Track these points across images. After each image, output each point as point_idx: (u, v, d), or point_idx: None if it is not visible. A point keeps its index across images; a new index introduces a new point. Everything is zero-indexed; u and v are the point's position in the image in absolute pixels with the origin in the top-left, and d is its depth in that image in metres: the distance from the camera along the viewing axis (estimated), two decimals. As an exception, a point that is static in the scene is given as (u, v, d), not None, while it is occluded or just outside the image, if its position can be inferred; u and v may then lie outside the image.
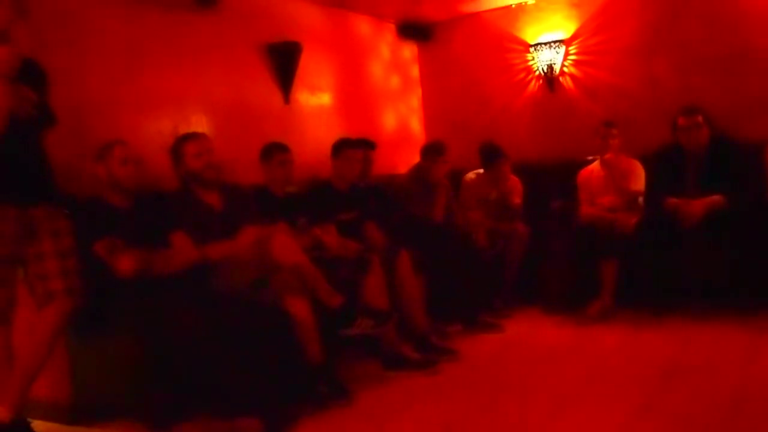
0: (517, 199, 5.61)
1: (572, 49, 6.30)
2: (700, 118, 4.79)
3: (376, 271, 4.12)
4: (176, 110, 4.58)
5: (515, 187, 5.65)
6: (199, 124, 4.67)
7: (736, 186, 4.58)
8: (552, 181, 5.74)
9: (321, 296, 3.62)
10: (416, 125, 7.13)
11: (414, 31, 6.94)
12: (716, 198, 4.59)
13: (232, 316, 3.34)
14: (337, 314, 3.65)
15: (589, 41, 6.23)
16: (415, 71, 7.20)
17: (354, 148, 4.89)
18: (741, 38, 5.46)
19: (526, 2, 6.47)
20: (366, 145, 5.29)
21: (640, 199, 5.14)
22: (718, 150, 4.79)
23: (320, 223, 4.40)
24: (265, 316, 3.46)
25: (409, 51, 7.12)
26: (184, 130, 4.33)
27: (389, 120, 6.75)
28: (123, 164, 3.52)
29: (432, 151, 5.42)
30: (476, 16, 6.73)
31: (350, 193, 4.85)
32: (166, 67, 4.52)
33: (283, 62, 5.36)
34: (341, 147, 4.86)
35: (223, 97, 4.94)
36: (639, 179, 5.19)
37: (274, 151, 4.50)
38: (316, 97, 5.82)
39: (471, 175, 5.75)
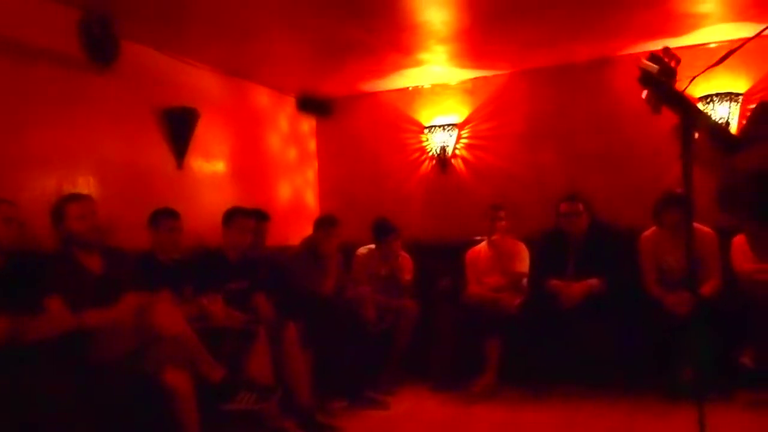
0: (407, 276, 5.68)
1: (465, 132, 6.57)
2: (580, 206, 5.06)
3: (262, 343, 4.04)
4: (62, 169, 4.42)
5: (406, 264, 5.73)
6: (87, 185, 4.53)
7: (612, 270, 4.83)
8: (441, 259, 5.86)
9: (202, 369, 3.51)
10: (311, 198, 7.17)
11: (313, 105, 7.05)
12: (594, 281, 4.83)
13: (105, 388, 3.17)
14: (218, 388, 3.53)
15: (480, 126, 6.51)
16: (312, 145, 7.28)
17: (246, 217, 4.84)
18: (620, 133, 5.87)
19: (422, 86, 6.72)
20: (259, 215, 5.25)
21: (524, 281, 5.33)
22: (597, 236, 5.05)
23: (207, 292, 4.29)
24: (142, 389, 3.30)
25: (307, 125, 7.21)
26: (69, 190, 4.17)
27: (284, 191, 6.75)
28: (6, 224, 3.35)
29: (324, 223, 5.44)
30: (375, 95, 6.93)
31: (240, 262, 4.77)
32: (54, 124, 4.37)
33: (179, 127, 5.31)
34: (233, 216, 4.80)
35: (114, 158, 4.81)
36: (524, 261, 5.39)
37: (162, 217, 4.40)
38: (210, 164, 5.77)
39: (363, 250, 5.79)
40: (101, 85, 4.70)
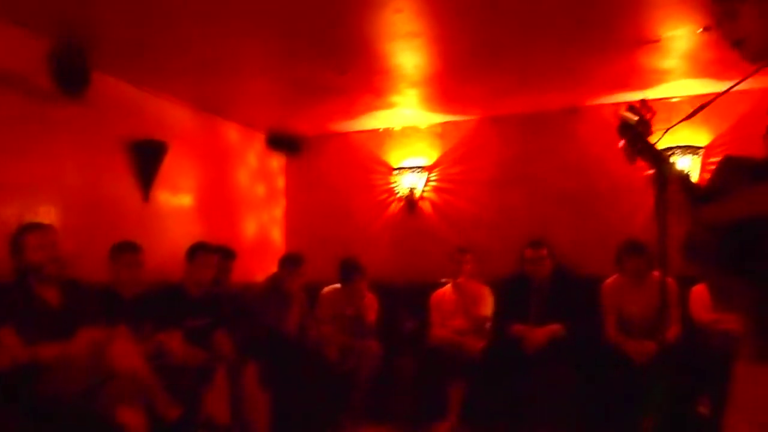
0: (371, 317, 5.64)
1: (433, 175, 6.62)
2: (544, 251, 5.11)
3: (220, 381, 3.97)
4: (24, 198, 4.34)
5: (371, 305, 5.69)
6: (48, 214, 4.45)
7: (575, 316, 4.86)
8: (406, 300, 5.85)
9: (158, 407, 3.43)
10: (277, 235, 7.14)
11: (283, 143, 7.05)
12: (556, 327, 4.85)
13: (57, 426, 3.08)
14: (174, 426, 3.45)
15: (449, 170, 6.57)
16: (281, 182, 7.27)
17: (209, 253, 4.79)
18: (586, 181, 5.96)
19: (392, 128, 6.78)
20: (224, 252, 5.21)
21: (488, 324, 5.33)
22: (561, 281, 5.09)
23: (166, 328, 4.21)
24: (95, 427, 3.21)
25: (276, 162, 7.21)
26: (30, 219, 4.09)
27: (250, 228, 6.71)
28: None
29: (290, 262, 5.41)
30: (345, 135, 6.97)
31: (202, 299, 4.71)
32: (18, 152, 4.31)
33: (146, 160, 5.27)
34: (196, 251, 4.75)
35: (79, 189, 4.75)
36: (488, 305, 5.40)
37: (124, 251, 4.33)
38: (177, 198, 5.72)
39: (328, 289, 5.76)
40: (69, 115, 4.66)
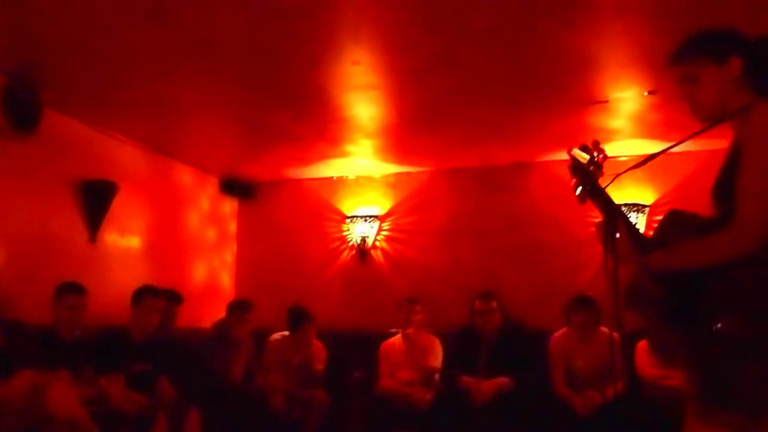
0: (319, 366, 5.57)
1: (386, 225, 6.65)
2: (494, 304, 5.14)
3: (161, 429, 3.86)
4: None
5: (319, 353, 5.62)
6: (-10, 253, 4.33)
7: (523, 369, 4.88)
8: (355, 350, 5.79)
9: (95, 454, 3.31)
10: (227, 281, 7.05)
11: (236, 187, 7.03)
12: (504, 380, 4.86)
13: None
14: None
15: (401, 220, 6.62)
16: (233, 227, 7.22)
17: (156, 297, 4.70)
18: (536, 235, 6.06)
19: (346, 176, 6.82)
20: (170, 296, 5.11)
21: (437, 376, 5.31)
22: (509, 334, 5.12)
23: (107, 373, 4.10)
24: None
25: (229, 206, 7.16)
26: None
27: (200, 272, 6.62)
28: None
29: (238, 308, 5.35)
30: (299, 182, 6.98)
31: (145, 344, 4.59)
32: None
33: (95, 200, 5.19)
34: (142, 294, 4.66)
35: (23, 227, 4.64)
36: (437, 356, 5.39)
37: (67, 292, 4.22)
38: (125, 240, 5.62)
39: (276, 336, 5.68)
40: (18, 151, 4.57)
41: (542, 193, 6.01)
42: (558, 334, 5.08)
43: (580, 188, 2.07)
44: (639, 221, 5.68)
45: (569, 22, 3.62)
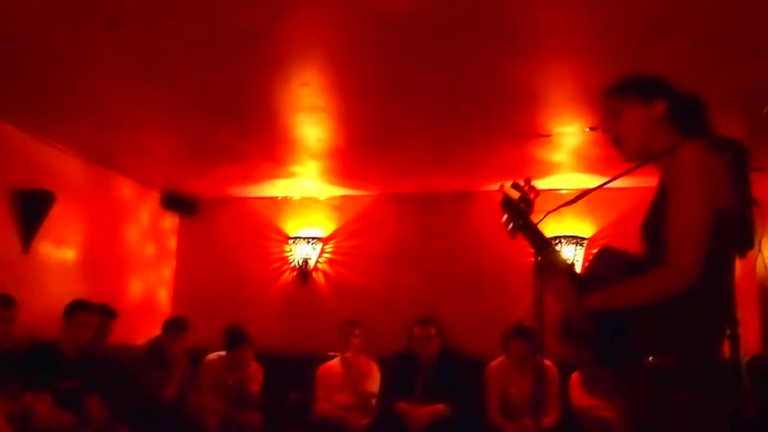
0: (255, 387, 5.49)
1: (328, 247, 6.64)
2: (433, 330, 5.16)
3: (89, 449, 3.74)
4: None
5: (255, 375, 5.54)
6: None
7: (459, 397, 4.91)
8: (292, 372, 5.73)
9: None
10: (164, 297, 6.91)
11: (178, 203, 6.92)
12: (440, 407, 4.88)
13: None
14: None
15: (344, 243, 6.62)
16: (172, 243, 7.09)
17: (89, 311, 4.58)
18: (476, 263, 6.13)
19: (291, 197, 6.80)
20: (104, 311, 4.99)
21: (374, 401, 5.29)
22: (447, 361, 5.15)
23: (34, 389, 3.96)
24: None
25: (170, 222, 7.05)
26: None
27: (136, 288, 6.48)
28: None
29: (174, 326, 5.25)
30: (243, 200, 6.92)
31: (76, 360, 4.46)
32: None
33: (30, 210, 5.04)
34: (75, 309, 4.53)
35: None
36: (374, 381, 5.38)
37: (-5, 304, 4.08)
38: (60, 252, 5.47)
39: (212, 356, 5.58)
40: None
41: (484, 223, 6.09)
42: (495, 362, 5.13)
43: (511, 224, 2.13)
44: (577, 253, 5.80)
45: (516, 58, 3.72)
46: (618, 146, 2.10)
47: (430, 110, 4.53)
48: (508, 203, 2.15)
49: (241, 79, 4.10)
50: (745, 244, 3.46)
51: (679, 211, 1.83)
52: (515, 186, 2.16)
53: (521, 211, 2.12)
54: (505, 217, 2.16)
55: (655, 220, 1.90)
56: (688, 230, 1.80)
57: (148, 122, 4.99)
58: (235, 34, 3.52)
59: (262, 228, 6.86)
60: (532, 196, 2.14)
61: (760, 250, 3.84)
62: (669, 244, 1.82)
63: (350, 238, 6.63)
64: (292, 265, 6.66)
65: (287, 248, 6.72)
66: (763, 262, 3.93)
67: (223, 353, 5.52)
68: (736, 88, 3.89)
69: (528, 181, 2.16)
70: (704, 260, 1.77)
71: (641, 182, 4.84)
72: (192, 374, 5.41)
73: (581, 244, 5.84)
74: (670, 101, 2.04)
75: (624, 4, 3.15)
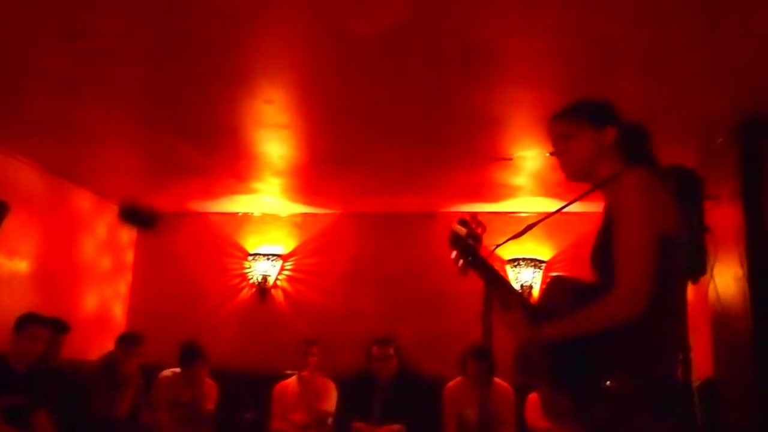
0: (209, 405, 5.41)
1: (288, 265, 6.60)
2: (391, 350, 5.17)
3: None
4: None
5: (210, 393, 5.46)
6: None
7: (416, 417, 4.90)
8: (248, 390, 5.67)
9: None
10: (119, 312, 6.78)
11: (136, 216, 6.79)
12: (397, 427, 4.88)
13: None
14: None
15: (304, 261, 6.59)
16: (129, 256, 6.98)
17: (40, 325, 4.48)
18: (436, 284, 6.09)
19: (252, 213, 6.75)
20: (56, 325, 4.88)
21: (330, 420, 5.26)
22: (405, 381, 5.16)
23: (-20, 404, 3.86)
24: None
25: (127, 235, 6.94)
26: None
27: (91, 301, 6.35)
28: None
29: (127, 341, 5.16)
30: (203, 215, 6.85)
31: (26, 374, 4.36)
32: None
33: (-18, 219, 4.92)
34: (26, 322, 4.43)
35: None
36: (331, 400, 5.34)
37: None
38: (12, 263, 5.34)
39: (166, 373, 5.48)
40: None
41: (445, 244, 6.08)
42: (452, 383, 5.14)
43: (461, 261, 2.16)
44: (536, 276, 5.86)
45: (479, 82, 3.78)
46: (565, 169, 2.15)
47: (394, 131, 4.56)
48: (456, 240, 2.19)
49: (205, 94, 4.08)
50: (697, 270, 3.55)
51: (625, 238, 1.88)
52: (462, 222, 2.20)
53: (469, 247, 2.15)
54: (454, 254, 2.20)
55: (603, 247, 1.94)
56: (635, 256, 1.84)
57: (107, 134, 4.92)
58: (198, 48, 3.51)
59: (222, 243, 6.80)
60: (479, 231, 2.17)
61: (712, 276, 3.95)
62: (617, 271, 1.86)
63: (310, 256, 6.60)
64: (251, 281, 6.60)
65: (246, 265, 6.66)
66: (715, 288, 4.03)
67: (177, 370, 5.44)
68: (691, 119, 4.00)
69: (474, 216, 2.20)
70: (653, 284, 1.81)
71: (598, 207, 4.95)
72: (145, 391, 5.31)
73: (539, 267, 5.91)
74: (619, 129, 2.09)
75: (585, 34, 3.22)
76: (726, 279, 4.01)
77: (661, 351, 1.90)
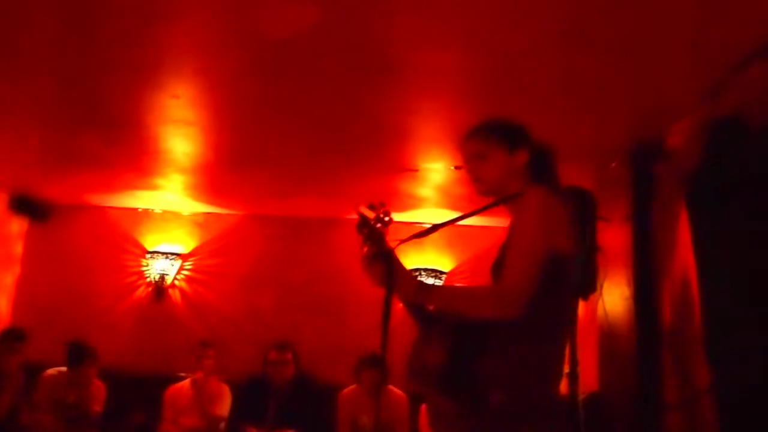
0: (97, 407, 5.21)
1: (188, 264, 6.45)
2: (289, 355, 5.15)
3: None
4: None
5: (97, 394, 5.26)
6: None
7: (311, 424, 4.89)
8: (140, 392, 5.50)
9: None
10: (4, 306, 6.45)
11: (28, 206, 6.51)
12: (290, 433, 4.83)
13: None
14: None
15: (205, 261, 6.46)
16: (18, 248, 6.65)
17: None
18: (336, 291, 6.13)
19: (152, 209, 6.57)
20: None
21: (222, 425, 5.16)
22: (301, 387, 5.14)
23: None
24: None
25: (17, 226, 6.61)
26: None
27: (-28, 294, 6.02)
28: None
29: (10, 336, 4.94)
30: (101, 209, 6.61)
31: None
32: None
33: None
34: None
35: None
36: (224, 404, 5.24)
37: None
38: None
39: (51, 371, 5.24)
40: None
41: (347, 250, 6.10)
42: (347, 390, 5.15)
43: (367, 246, 2.16)
44: (436, 287, 5.94)
45: (390, 93, 3.82)
46: (477, 185, 2.20)
47: (302, 135, 4.54)
48: (363, 224, 2.18)
49: (109, 84, 3.93)
50: (588, 288, 3.69)
51: (517, 246, 1.95)
52: (371, 206, 2.20)
53: (376, 231, 2.15)
54: (361, 238, 2.19)
55: (502, 260, 2.00)
56: (521, 261, 1.91)
57: (1, 119, 4.68)
58: (105, 38, 3.39)
59: (119, 239, 6.57)
60: (387, 219, 2.18)
61: (601, 293, 4.13)
62: (504, 272, 1.93)
63: (211, 257, 6.48)
64: (148, 280, 6.41)
65: (144, 262, 6.47)
66: (603, 305, 4.21)
67: (63, 369, 5.21)
68: (588, 142, 4.17)
69: (382, 204, 2.21)
70: (529, 294, 1.86)
71: (500, 222, 5.08)
72: (27, 390, 5.07)
73: (440, 278, 6.00)
74: (530, 152, 2.16)
75: (493, 51, 3.30)
76: (614, 297, 4.19)
77: (547, 366, 1.96)
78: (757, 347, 3.06)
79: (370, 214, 2.16)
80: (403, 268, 2.10)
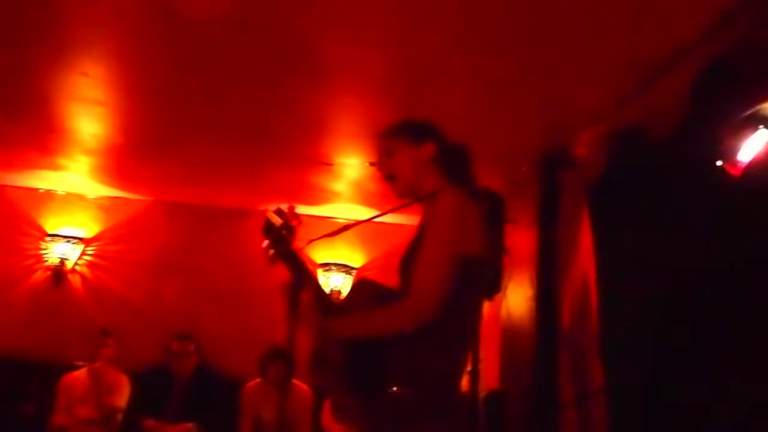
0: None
1: (90, 249, 6.22)
2: (191, 346, 5.06)
3: None
4: None
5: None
6: None
7: (212, 417, 4.82)
8: (32, 380, 5.27)
9: None
10: None
11: None
12: (189, 426, 4.78)
13: None
14: None
15: (109, 247, 6.24)
16: None
17: None
18: (244, 281, 6.00)
19: (55, 191, 6.29)
20: None
21: (119, 416, 5.01)
22: (203, 379, 5.05)
23: None
24: None
25: None
26: None
27: None
28: None
29: None
30: (-1, 187, 6.29)
31: None
32: None
33: None
34: None
35: None
36: (122, 395, 5.09)
37: None
38: None
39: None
40: None
41: (257, 242, 6.02)
42: (251, 384, 5.10)
43: (271, 250, 2.17)
44: (345, 282, 5.96)
45: (307, 85, 3.81)
46: (390, 183, 2.22)
47: (215, 121, 4.45)
48: (270, 229, 2.19)
49: (11, 57, 3.75)
50: (493, 288, 3.78)
51: (426, 254, 1.96)
52: (278, 212, 2.20)
53: (282, 237, 2.16)
54: (266, 243, 2.20)
55: (410, 258, 2.02)
56: (430, 273, 1.92)
57: None
58: (10, 10, 3.23)
59: (17, 221, 6.25)
60: (294, 223, 2.19)
61: (505, 294, 4.23)
62: (412, 282, 1.94)
63: (115, 243, 6.26)
64: (47, 264, 6.14)
65: (43, 246, 6.18)
66: (507, 305, 4.32)
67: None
68: (500, 145, 4.25)
69: (292, 208, 2.21)
70: (442, 301, 1.89)
71: (412, 220, 5.14)
72: None
73: (350, 273, 6.01)
74: (439, 146, 2.19)
75: (409, 50, 3.35)
76: (518, 298, 4.30)
77: (449, 362, 1.99)
78: (650, 349, 3.21)
79: (278, 221, 2.17)
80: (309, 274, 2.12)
